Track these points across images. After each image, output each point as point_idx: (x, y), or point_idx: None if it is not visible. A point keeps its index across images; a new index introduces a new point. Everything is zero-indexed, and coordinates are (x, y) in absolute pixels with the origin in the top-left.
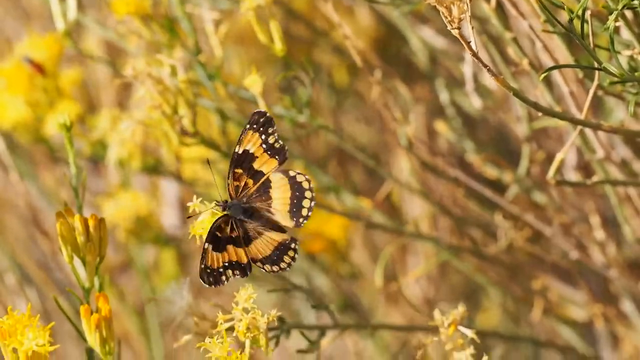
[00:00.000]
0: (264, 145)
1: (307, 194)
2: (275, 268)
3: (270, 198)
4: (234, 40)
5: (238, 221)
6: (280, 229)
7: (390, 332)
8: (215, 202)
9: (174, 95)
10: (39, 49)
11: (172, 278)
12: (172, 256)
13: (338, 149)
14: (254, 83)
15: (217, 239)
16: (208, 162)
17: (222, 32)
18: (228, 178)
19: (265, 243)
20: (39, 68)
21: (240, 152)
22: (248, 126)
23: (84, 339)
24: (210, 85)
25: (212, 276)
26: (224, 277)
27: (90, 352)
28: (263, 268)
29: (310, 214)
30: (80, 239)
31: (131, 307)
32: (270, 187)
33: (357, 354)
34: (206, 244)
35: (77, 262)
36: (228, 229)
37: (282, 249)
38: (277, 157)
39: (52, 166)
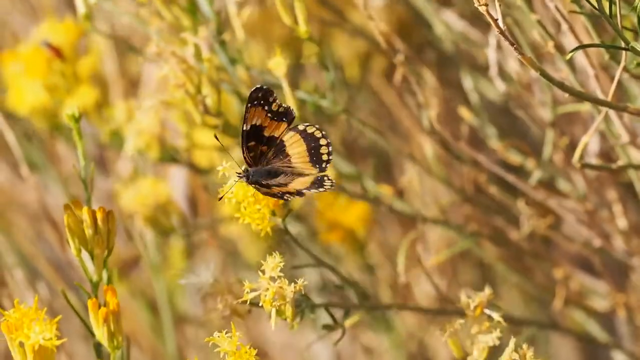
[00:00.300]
0: (269, 115)
1: (322, 141)
2: (320, 189)
3: (288, 155)
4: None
5: (265, 184)
6: (307, 175)
7: (405, 330)
8: (236, 173)
9: (198, 74)
10: (57, 33)
11: (182, 271)
12: (181, 249)
13: (350, 146)
14: (278, 65)
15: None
16: (218, 128)
17: (245, 14)
18: (243, 152)
19: (300, 183)
20: (57, 52)
21: (248, 128)
22: (249, 104)
23: (92, 334)
24: (232, 68)
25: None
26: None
27: (98, 346)
28: (309, 190)
29: (331, 158)
30: (88, 231)
31: (142, 302)
32: (285, 147)
33: (368, 351)
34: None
35: (85, 255)
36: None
37: (319, 180)
38: (284, 119)
39: (65, 159)
